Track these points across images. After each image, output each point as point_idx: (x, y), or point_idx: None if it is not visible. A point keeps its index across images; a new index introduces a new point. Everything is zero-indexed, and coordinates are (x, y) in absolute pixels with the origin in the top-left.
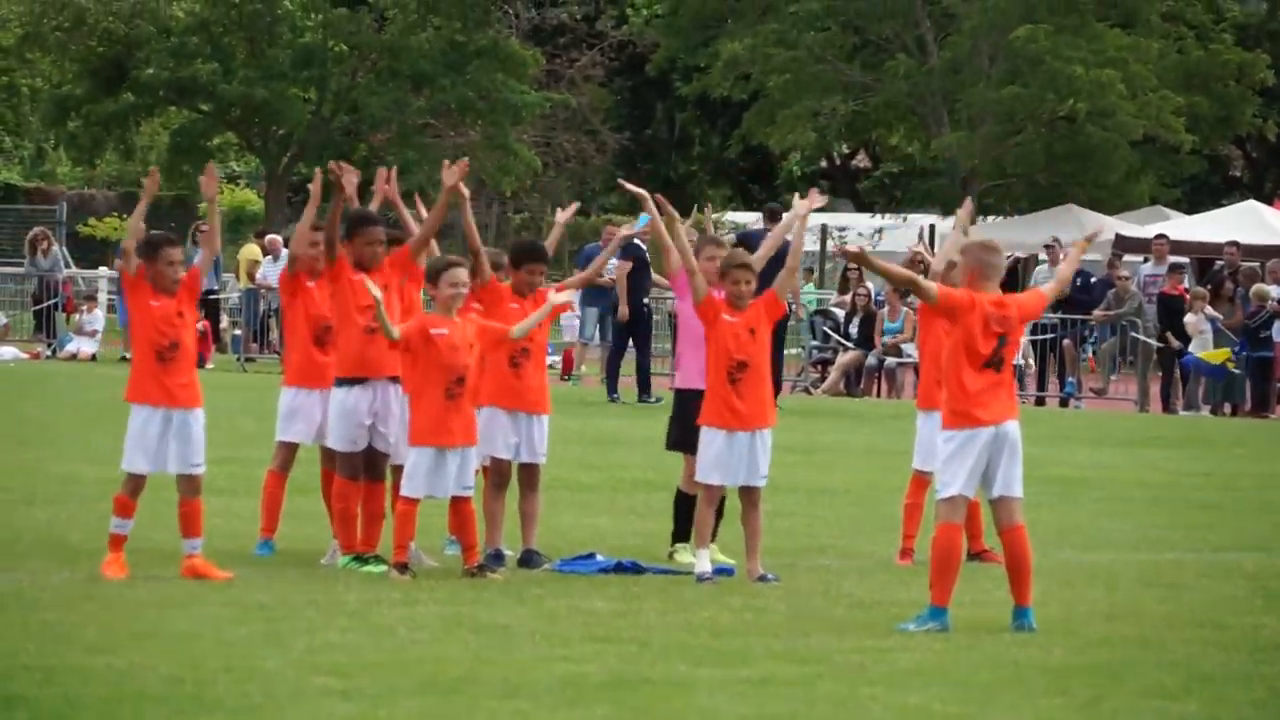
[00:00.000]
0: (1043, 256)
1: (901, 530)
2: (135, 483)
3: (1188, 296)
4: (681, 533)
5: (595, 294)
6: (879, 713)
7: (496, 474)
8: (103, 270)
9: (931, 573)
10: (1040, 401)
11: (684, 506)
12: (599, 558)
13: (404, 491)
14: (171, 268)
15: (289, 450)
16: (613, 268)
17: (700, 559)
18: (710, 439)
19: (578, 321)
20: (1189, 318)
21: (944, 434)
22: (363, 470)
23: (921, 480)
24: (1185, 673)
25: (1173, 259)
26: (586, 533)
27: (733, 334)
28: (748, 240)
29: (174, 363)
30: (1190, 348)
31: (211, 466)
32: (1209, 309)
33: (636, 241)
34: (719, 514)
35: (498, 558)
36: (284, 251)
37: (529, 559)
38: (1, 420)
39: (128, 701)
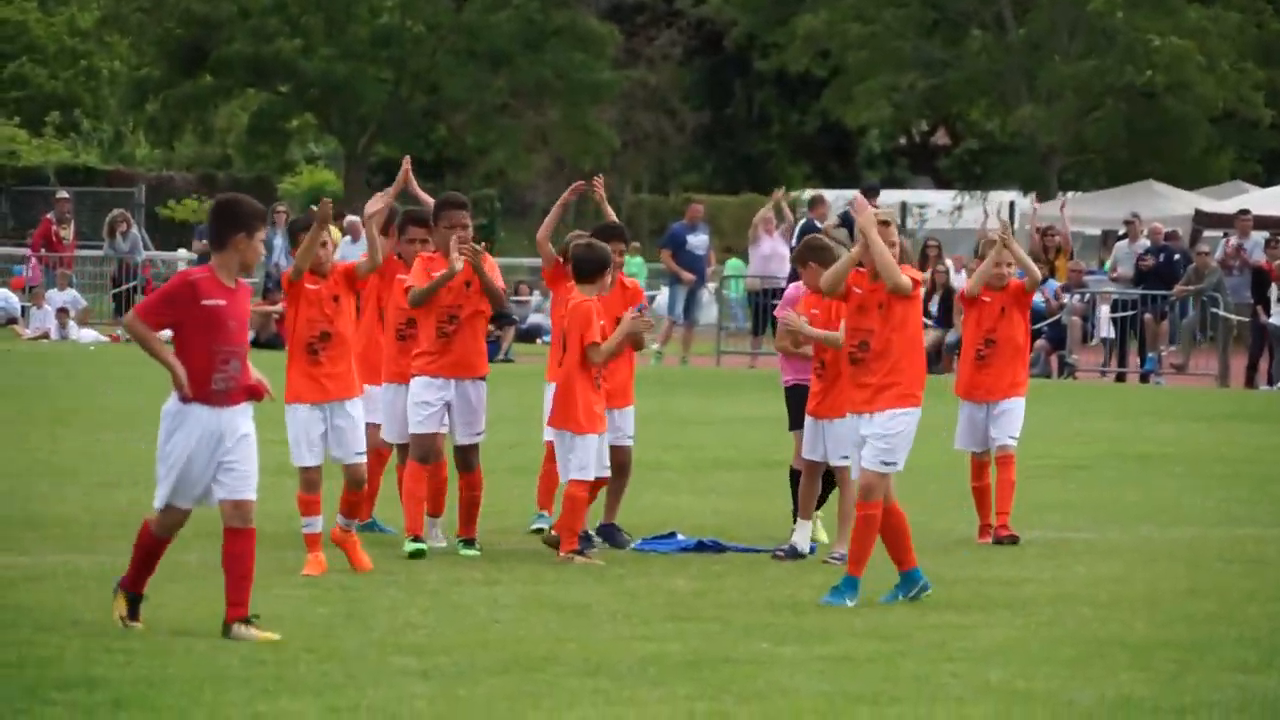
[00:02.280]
0: (1122, 231)
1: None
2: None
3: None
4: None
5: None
6: (959, 690)
7: None
8: (181, 252)
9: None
10: (1121, 378)
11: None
12: (679, 537)
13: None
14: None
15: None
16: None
17: (800, 531)
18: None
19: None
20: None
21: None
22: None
23: (980, 461)
24: (1267, 648)
25: (1256, 234)
26: (667, 512)
27: None
28: (847, 220)
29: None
30: (1273, 319)
31: (285, 447)
32: None
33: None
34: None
35: (587, 539)
36: (363, 233)
37: (611, 534)
38: (82, 403)
39: (209, 682)
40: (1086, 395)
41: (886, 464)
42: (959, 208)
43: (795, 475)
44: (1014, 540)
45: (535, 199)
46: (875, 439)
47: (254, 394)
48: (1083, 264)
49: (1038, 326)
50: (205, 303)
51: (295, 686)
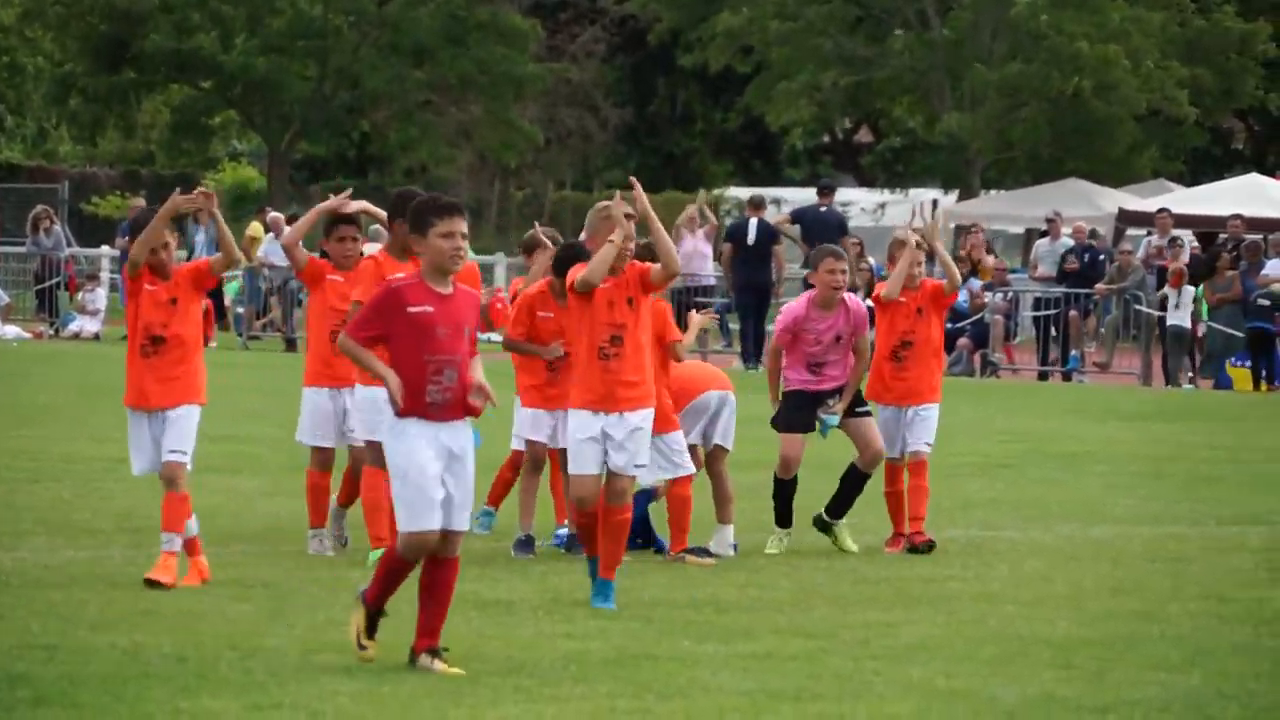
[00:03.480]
0: (1044, 229)
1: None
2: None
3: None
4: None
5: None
6: (882, 687)
7: (533, 458)
8: (105, 249)
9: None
10: (1044, 376)
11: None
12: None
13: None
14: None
15: None
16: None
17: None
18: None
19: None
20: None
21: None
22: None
23: (895, 467)
24: (1190, 646)
25: (1175, 232)
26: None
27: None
28: (802, 216)
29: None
30: (1169, 320)
31: (211, 445)
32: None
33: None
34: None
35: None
36: (286, 229)
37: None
38: (3, 400)
39: (131, 680)
40: (1009, 394)
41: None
42: (881, 205)
43: (780, 483)
44: (930, 546)
45: (459, 195)
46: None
47: (470, 411)
48: (1004, 262)
49: (960, 325)
50: (412, 310)
51: (217, 684)
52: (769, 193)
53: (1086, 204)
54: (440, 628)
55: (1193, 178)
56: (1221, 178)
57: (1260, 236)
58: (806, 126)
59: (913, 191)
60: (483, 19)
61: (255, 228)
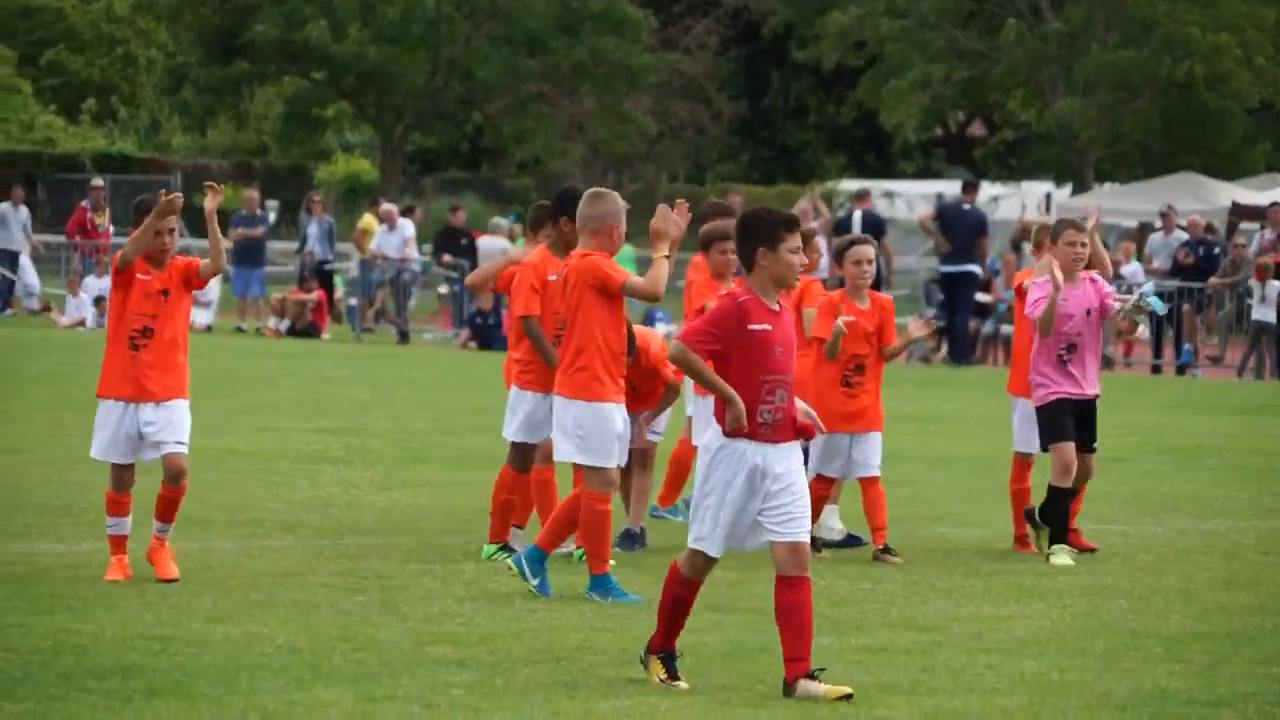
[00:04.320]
0: (1158, 224)
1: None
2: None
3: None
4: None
5: None
6: (995, 681)
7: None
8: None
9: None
10: (1156, 370)
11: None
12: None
13: None
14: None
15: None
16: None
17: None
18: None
19: None
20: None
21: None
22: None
23: (1024, 463)
24: None
25: None
26: None
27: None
28: (944, 213)
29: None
30: (1255, 315)
31: (326, 436)
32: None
33: None
34: None
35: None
36: (399, 221)
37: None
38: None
39: (244, 671)
40: (1122, 387)
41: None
42: (995, 198)
43: (1054, 491)
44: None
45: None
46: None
47: (804, 433)
48: (1120, 256)
49: None
50: (752, 327)
51: (330, 676)
52: (881, 185)
53: (1199, 198)
54: (808, 652)
55: None
56: None
57: None
58: (919, 120)
59: (1025, 185)
60: (596, 9)
61: (368, 220)
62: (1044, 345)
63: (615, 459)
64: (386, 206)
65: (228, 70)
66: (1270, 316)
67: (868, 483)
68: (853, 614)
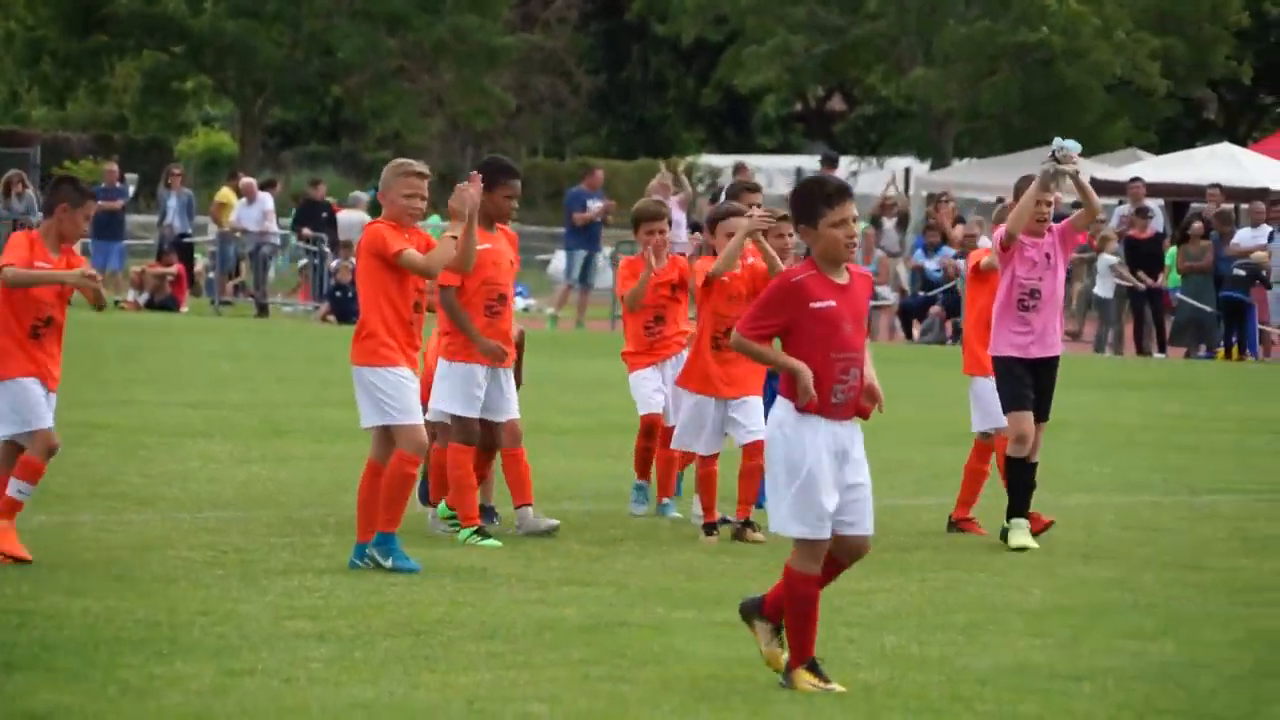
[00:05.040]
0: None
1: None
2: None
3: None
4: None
5: (578, 236)
6: (855, 655)
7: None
8: None
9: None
10: None
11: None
12: None
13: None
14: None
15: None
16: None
17: None
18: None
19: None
20: (1101, 259)
21: None
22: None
23: (985, 445)
24: (1163, 614)
25: (1146, 202)
26: (564, 476)
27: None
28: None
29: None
30: (1096, 290)
31: (186, 410)
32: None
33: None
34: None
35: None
36: (259, 194)
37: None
38: None
39: (104, 645)
40: None
41: None
42: (854, 173)
43: (1010, 462)
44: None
45: (431, 163)
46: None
47: (862, 413)
48: (974, 228)
49: (933, 293)
50: (815, 305)
51: (190, 649)
52: (741, 160)
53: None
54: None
55: (1164, 148)
56: (1192, 147)
57: (1232, 206)
58: (778, 94)
59: (885, 160)
60: None
61: (226, 193)
62: (1008, 295)
63: (418, 417)
64: (245, 180)
65: (87, 43)
66: (1107, 293)
67: (750, 450)
68: (713, 588)
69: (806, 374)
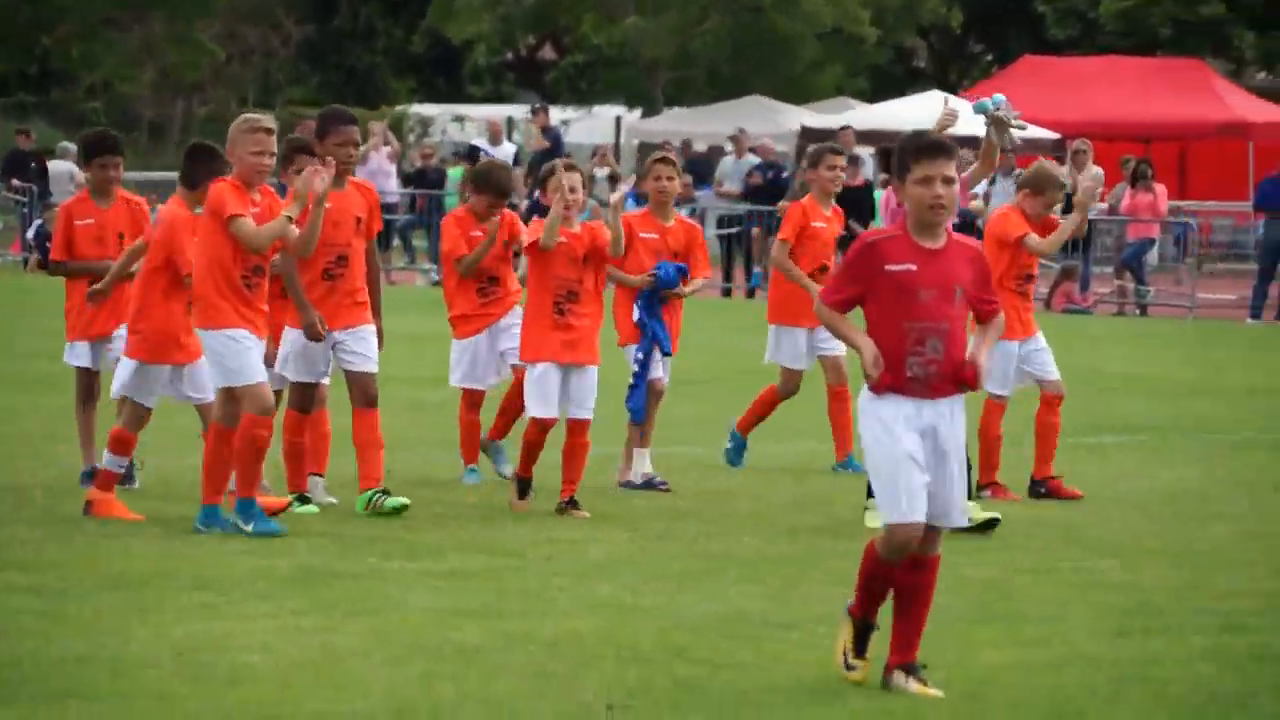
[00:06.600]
0: (729, 148)
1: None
2: None
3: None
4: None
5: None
6: (568, 604)
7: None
8: None
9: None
10: (727, 293)
11: None
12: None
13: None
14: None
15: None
16: None
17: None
18: None
19: None
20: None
21: None
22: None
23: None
24: None
25: (857, 150)
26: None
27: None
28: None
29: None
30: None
31: None
32: None
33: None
34: None
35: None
36: None
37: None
38: None
39: None
40: (693, 309)
41: None
42: (565, 122)
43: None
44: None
45: (141, 112)
46: None
47: (965, 383)
48: (688, 178)
49: None
50: (890, 269)
51: None
52: (452, 109)
53: (770, 121)
54: (919, 640)
55: (875, 96)
56: (903, 95)
57: None
58: (489, 43)
59: (596, 108)
60: None
61: None
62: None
63: (259, 377)
64: None
65: None
66: None
67: (575, 426)
68: (427, 539)
69: (867, 351)
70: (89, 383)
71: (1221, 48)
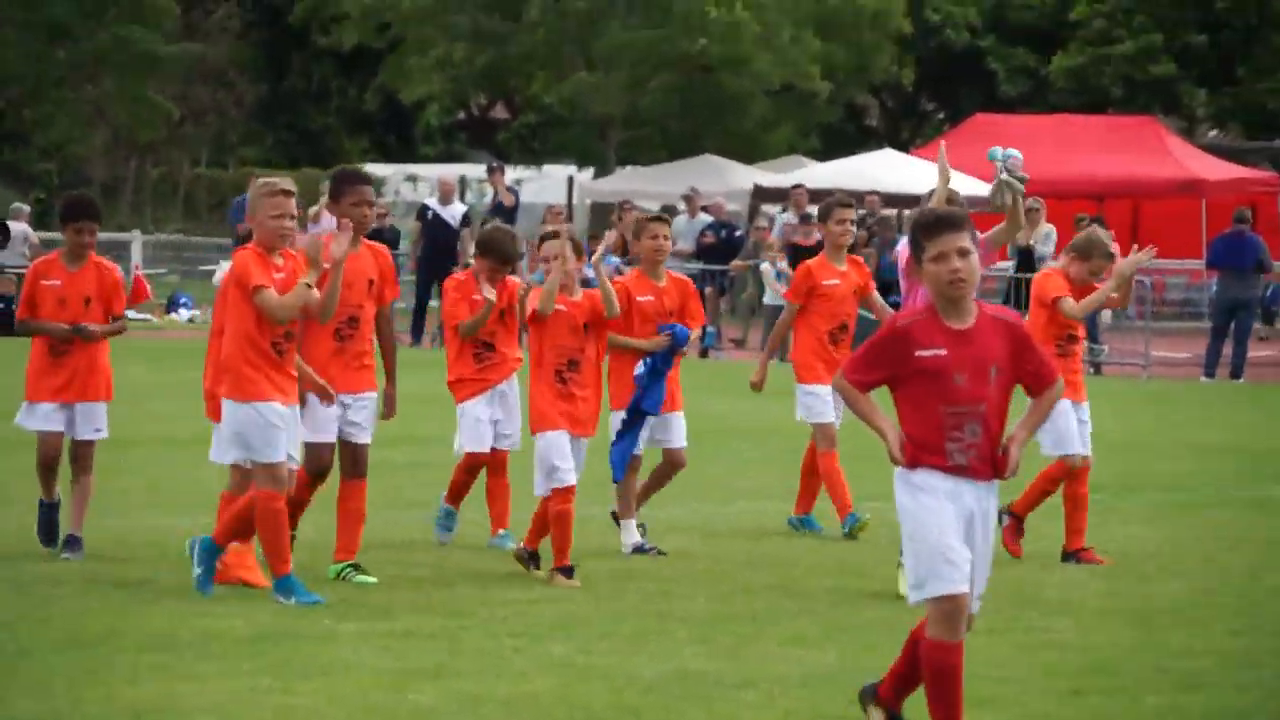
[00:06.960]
0: (681, 207)
1: (1070, 525)
2: None
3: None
4: None
5: None
6: (523, 664)
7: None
8: None
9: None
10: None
11: None
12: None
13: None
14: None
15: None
16: None
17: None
18: None
19: None
20: (764, 266)
21: None
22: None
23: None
24: (826, 621)
25: (810, 209)
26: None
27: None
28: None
29: None
30: (764, 299)
31: None
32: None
33: None
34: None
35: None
36: None
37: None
38: None
39: None
40: None
41: None
42: (519, 181)
43: None
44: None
45: (93, 173)
46: None
47: (997, 468)
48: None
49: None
50: (921, 354)
51: None
52: (405, 169)
53: (722, 180)
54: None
55: (827, 154)
56: (855, 154)
57: (895, 212)
58: (441, 103)
59: (547, 168)
60: None
61: None
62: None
63: (280, 455)
64: None
65: None
66: (776, 299)
67: (561, 494)
68: (380, 599)
69: (890, 436)
70: (55, 446)
71: (1172, 106)
